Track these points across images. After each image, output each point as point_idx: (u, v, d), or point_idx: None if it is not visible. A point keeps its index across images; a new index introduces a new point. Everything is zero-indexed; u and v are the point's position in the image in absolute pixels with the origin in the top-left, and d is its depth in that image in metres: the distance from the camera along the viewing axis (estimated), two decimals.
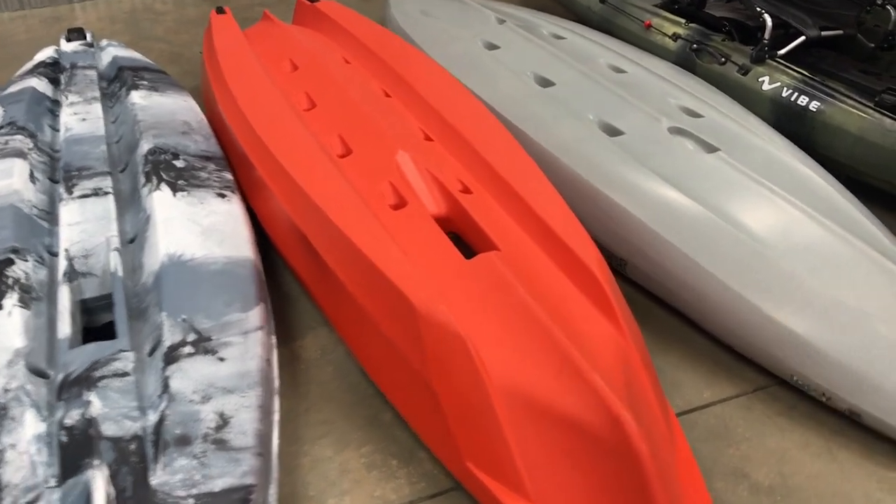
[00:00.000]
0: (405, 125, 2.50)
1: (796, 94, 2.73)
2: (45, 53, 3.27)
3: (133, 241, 2.12)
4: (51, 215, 2.18)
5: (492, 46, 3.23)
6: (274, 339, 1.97)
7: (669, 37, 3.24)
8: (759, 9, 2.92)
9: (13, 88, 2.90)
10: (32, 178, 2.33)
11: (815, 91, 2.70)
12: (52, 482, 1.47)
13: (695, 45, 3.13)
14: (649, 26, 3.32)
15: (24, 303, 1.84)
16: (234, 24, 3.31)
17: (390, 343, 1.83)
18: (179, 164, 2.38)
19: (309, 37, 3.24)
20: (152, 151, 2.40)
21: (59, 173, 2.34)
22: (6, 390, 1.64)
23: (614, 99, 2.70)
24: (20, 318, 1.79)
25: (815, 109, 2.68)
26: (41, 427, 1.56)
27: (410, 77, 2.75)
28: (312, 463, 1.83)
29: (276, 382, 1.86)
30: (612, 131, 2.55)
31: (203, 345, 1.76)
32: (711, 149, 2.41)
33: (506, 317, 1.76)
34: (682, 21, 3.26)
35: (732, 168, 2.29)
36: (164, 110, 2.70)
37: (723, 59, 3.01)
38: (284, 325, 2.26)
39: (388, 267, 1.85)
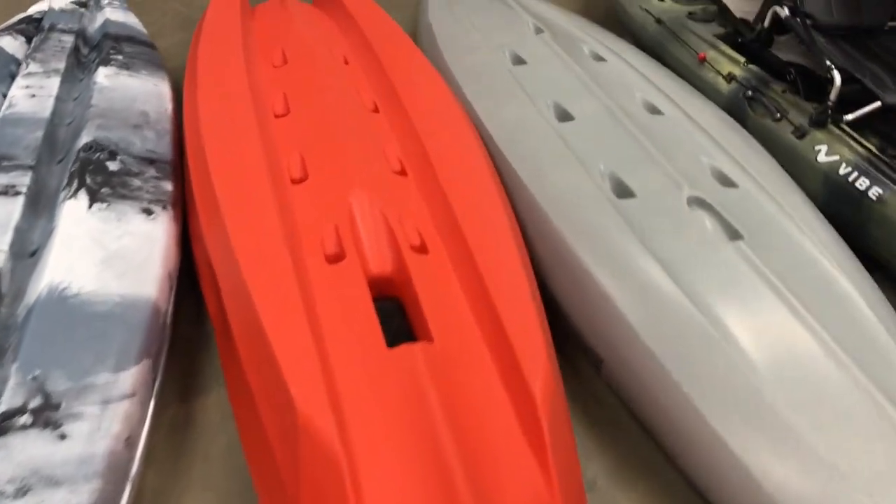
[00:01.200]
0: (379, 151, 2.15)
1: (856, 173, 2.26)
2: (37, 7, 3.00)
3: (34, 254, 1.84)
4: None
5: (519, 60, 2.82)
6: (151, 407, 1.66)
7: (724, 76, 2.78)
8: (827, 62, 2.43)
9: None
10: None
11: (880, 174, 2.23)
12: None
13: (750, 92, 2.66)
14: (703, 60, 2.86)
15: None
16: (242, 1, 2.98)
17: (268, 442, 1.50)
18: (113, 165, 2.08)
19: (314, 25, 2.89)
20: (88, 147, 2.10)
21: None
22: None
23: (636, 149, 2.29)
24: None
25: (874, 197, 2.20)
26: None
27: (404, 91, 2.38)
28: None
29: (135, 467, 1.55)
30: (623, 191, 2.14)
31: (46, 415, 1.46)
32: (734, 234, 1.98)
33: (407, 441, 1.41)
34: (742, 60, 2.79)
35: (751, 268, 1.87)
36: (125, 95, 2.40)
37: (778, 115, 2.54)
38: (192, 374, 1.95)
39: (282, 348, 1.51)
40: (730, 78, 2.74)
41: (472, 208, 1.94)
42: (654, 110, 2.54)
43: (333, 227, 1.86)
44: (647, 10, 3.26)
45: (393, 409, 1.45)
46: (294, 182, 2.04)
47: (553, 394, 1.52)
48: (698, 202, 2.09)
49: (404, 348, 1.54)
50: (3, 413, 1.43)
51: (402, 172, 2.11)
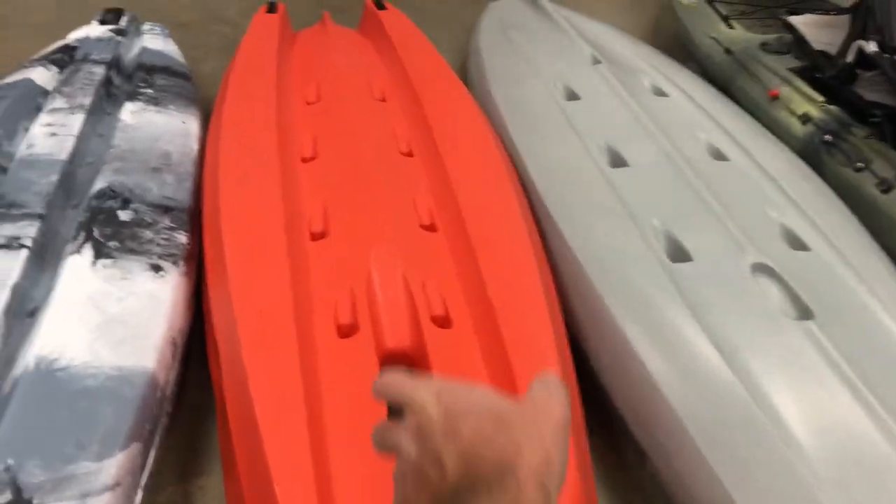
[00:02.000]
0: (408, 202, 1.98)
1: None
2: (76, 34, 2.92)
3: (34, 313, 1.71)
4: None
5: (572, 95, 2.61)
6: (139, 497, 1.52)
7: (798, 117, 2.50)
8: None
9: (12, 77, 2.56)
10: None
11: None
12: None
13: (828, 136, 2.38)
14: (776, 97, 2.58)
15: None
16: (282, 27, 2.85)
17: None
18: (125, 215, 1.95)
19: (354, 55, 2.73)
20: (101, 193, 1.99)
21: None
22: None
23: (696, 203, 2.05)
24: None
25: None
26: None
27: (441, 135, 2.20)
28: None
29: None
30: (677, 253, 1.92)
31: None
32: (803, 312, 1.74)
33: None
34: (820, 99, 2.50)
35: (822, 355, 1.62)
36: (148, 134, 2.28)
37: (860, 164, 2.26)
38: (194, 450, 1.80)
39: (275, 446, 1.35)
40: (805, 119, 2.47)
41: (503, 273, 1.75)
42: (718, 155, 2.30)
43: (349, 291, 1.69)
44: (715, 39, 3.00)
45: None
46: (314, 237, 1.88)
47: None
48: (764, 269, 1.85)
49: None
50: None
51: (432, 227, 1.93)
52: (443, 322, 1.66)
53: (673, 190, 2.11)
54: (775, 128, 2.53)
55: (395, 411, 0.63)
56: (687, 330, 1.69)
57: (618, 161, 2.26)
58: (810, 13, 2.81)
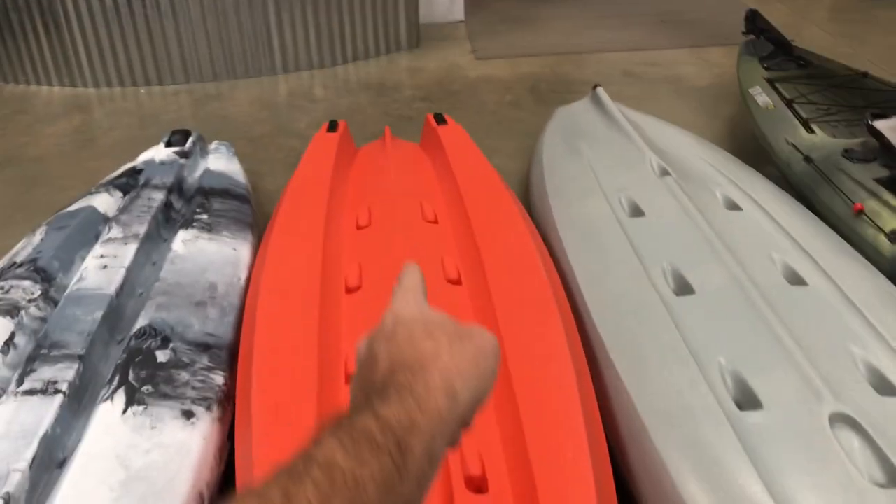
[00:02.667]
0: None
1: None
2: (144, 156, 3.00)
3: (63, 463, 1.67)
4: None
5: (636, 211, 2.47)
6: None
7: (886, 234, 2.28)
8: None
9: (75, 205, 2.63)
10: (8, 345, 1.98)
11: None
12: None
13: None
14: (860, 210, 2.37)
15: None
16: (341, 145, 2.84)
17: None
18: (163, 356, 1.91)
19: (411, 174, 2.69)
20: (141, 332, 1.96)
21: (31, 346, 1.97)
22: None
23: (769, 340, 1.86)
24: None
25: None
26: None
27: (490, 264, 2.09)
28: None
29: None
30: (747, 400, 1.72)
31: None
32: (892, 477, 1.52)
33: None
34: None
35: None
36: (196, 265, 2.27)
37: None
38: None
39: None
40: (894, 236, 2.25)
41: (547, 427, 1.60)
42: (794, 279, 2.10)
43: None
44: (794, 146, 2.81)
45: None
46: (348, 381, 1.78)
47: None
48: (845, 420, 1.63)
49: None
50: None
51: None
52: (478, 485, 1.52)
53: (742, 322, 1.93)
54: (860, 245, 2.31)
55: None
56: (754, 496, 1.49)
57: (683, 287, 2.10)
58: None
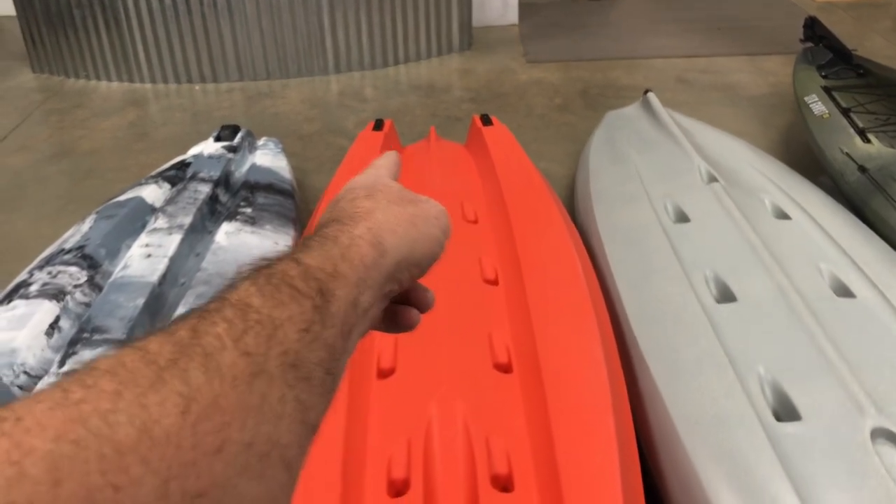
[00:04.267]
0: (484, 339, 1.85)
1: None
2: (193, 150, 3.05)
3: None
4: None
5: (681, 217, 2.43)
6: None
7: None
8: None
9: (124, 195, 2.68)
10: (53, 329, 2.03)
11: None
12: None
13: None
14: None
15: None
16: (386, 144, 2.85)
17: None
18: None
19: (452, 175, 2.68)
20: None
21: (74, 329, 2.02)
22: None
23: (811, 351, 1.80)
24: None
25: None
26: None
27: (528, 266, 2.07)
28: None
29: None
30: (785, 411, 1.68)
31: None
32: None
33: None
34: None
35: None
36: (237, 256, 2.30)
37: None
38: None
39: None
40: None
41: (577, 434, 1.57)
42: (842, 290, 2.04)
43: (406, 443, 1.57)
44: (848, 155, 2.73)
45: None
46: (381, 374, 1.79)
47: None
48: (888, 436, 1.58)
49: None
50: None
51: (507, 367, 1.80)
52: (504, 484, 1.50)
53: (784, 331, 1.87)
54: None
55: None
56: None
57: (725, 295, 2.05)
58: None
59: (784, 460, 1.53)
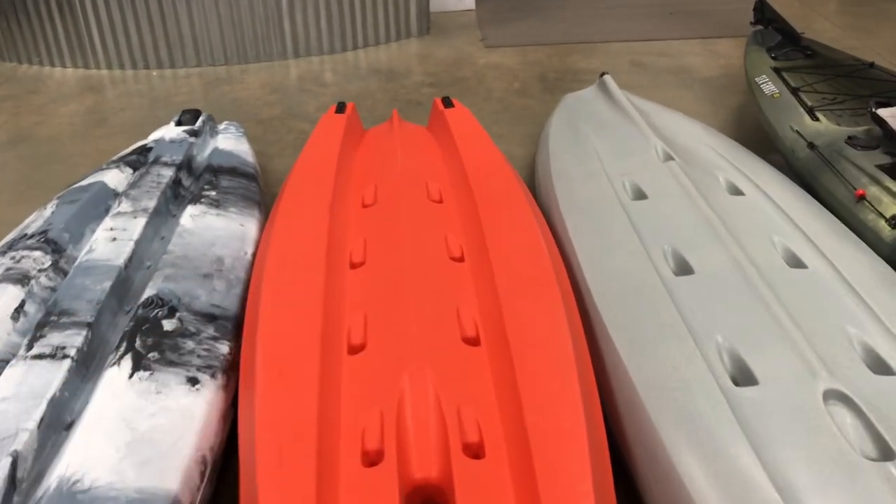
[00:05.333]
0: (452, 313, 1.90)
1: None
2: (154, 136, 3.04)
3: (70, 426, 1.71)
4: None
5: (639, 194, 2.49)
6: None
7: (886, 220, 2.30)
8: None
9: (86, 180, 2.67)
10: (19, 312, 2.03)
11: None
12: None
13: None
14: (862, 197, 2.39)
15: None
16: (349, 126, 2.87)
17: None
18: (169, 324, 1.95)
19: (417, 155, 2.71)
20: (148, 302, 2.00)
21: (40, 313, 2.01)
22: None
23: (766, 319, 1.88)
24: None
25: None
26: None
27: (493, 242, 2.12)
28: None
29: None
30: (743, 376, 1.75)
31: None
32: (884, 452, 1.54)
33: None
34: None
35: None
36: (204, 239, 2.30)
37: None
38: None
39: None
40: (894, 222, 2.27)
41: (544, 401, 1.62)
42: (794, 262, 2.13)
43: (379, 414, 1.61)
44: (798, 132, 2.83)
45: None
46: (351, 350, 1.82)
47: None
48: (839, 397, 1.66)
49: None
50: None
51: (475, 340, 1.85)
52: (475, 451, 1.55)
53: (740, 301, 1.95)
54: (862, 231, 2.33)
55: None
56: (747, 468, 1.51)
57: (683, 268, 2.12)
58: None
59: (742, 422, 1.61)
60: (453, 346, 1.81)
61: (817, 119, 2.85)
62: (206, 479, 1.72)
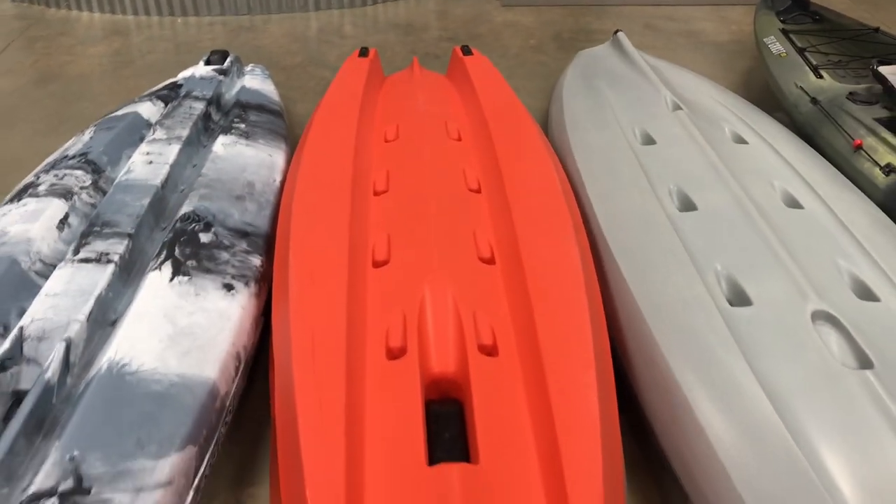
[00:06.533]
0: (469, 235, 2.03)
1: None
2: (184, 73, 3.16)
3: (115, 323, 1.85)
4: None
5: (648, 140, 2.62)
6: (190, 497, 1.61)
7: (881, 167, 2.43)
8: None
9: (122, 110, 2.79)
10: (63, 223, 2.16)
11: None
12: None
13: None
14: (859, 146, 2.52)
15: None
16: (371, 69, 2.99)
17: None
18: (206, 237, 2.09)
19: (437, 98, 2.83)
20: (186, 217, 2.13)
21: (84, 224, 2.15)
22: None
23: (762, 249, 2.02)
24: None
25: None
26: None
27: (509, 175, 2.25)
28: None
29: None
30: (738, 297, 1.89)
31: (74, 499, 1.43)
32: (863, 362, 1.68)
33: None
34: None
35: (878, 408, 1.57)
36: (236, 165, 2.44)
37: None
38: (251, 459, 1.89)
39: (310, 452, 1.41)
40: (888, 170, 2.39)
41: (553, 310, 1.76)
42: (792, 203, 2.26)
43: (402, 316, 1.75)
44: (802, 88, 2.95)
45: None
46: (376, 264, 1.96)
47: None
48: (826, 317, 1.80)
49: (443, 468, 1.39)
50: (32, 495, 1.41)
51: (490, 260, 1.98)
52: (489, 350, 1.69)
53: (739, 235, 2.08)
54: (858, 178, 2.46)
55: None
56: (738, 373, 1.66)
57: (687, 205, 2.25)
58: None
59: (737, 337, 1.75)
60: (470, 263, 1.94)
61: (821, 77, 2.97)
62: (240, 373, 1.87)
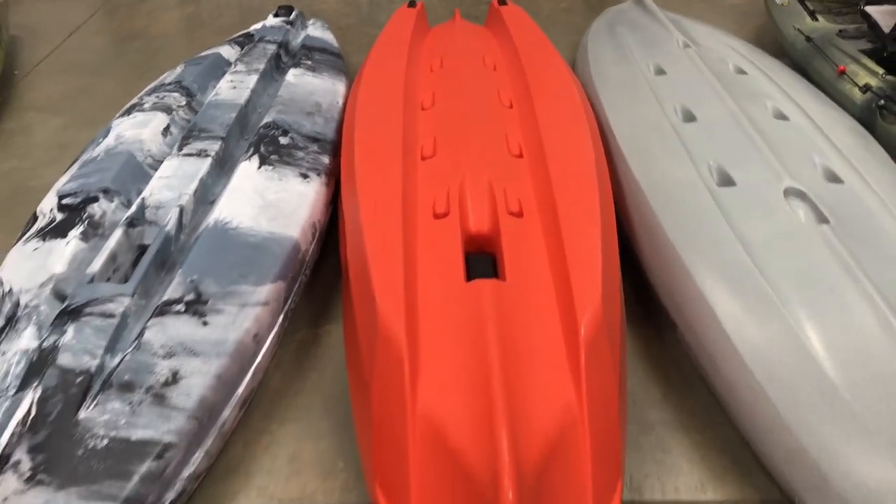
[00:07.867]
0: (502, 138, 2.44)
1: None
2: (256, 25, 3.62)
3: (213, 202, 2.31)
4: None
5: (660, 72, 3.01)
6: (280, 319, 2.05)
7: (860, 88, 2.79)
8: None
9: (206, 53, 3.26)
10: (166, 131, 2.62)
11: None
12: (11, 392, 1.67)
13: (881, 102, 2.66)
14: (843, 72, 2.88)
15: (85, 236, 2.10)
16: (419, 18, 3.42)
17: (358, 346, 1.82)
18: (284, 140, 2.53)
19: (475, 41, 3.25)
20: (267, 125, 2.58)
21: (184, 131, 2.61)
22: (26, 305, 1.89)
23: (748, 147, 2.40)
24: (73, 248, 2.05)
25: None
26: (33, 343, 1.78)
27: (538, 95, 2.65)
28: (269, 443, 1.89)
29: (259, 359, 1.94)
30: (725, 180, 2.28)
31: (195, 307, 1.88)
32: (821, 219, 2.07)
33: (463, 351, 1.67)
34: (881, 72, 2.79)
35: (831, 252, 1.95)
36: (305, 90, 2.88)
37: None
38: (324, 305, 2.35)
39: (378, 273, 1.84)
40: (865, 89, 2.76)
41: (569, 187, 2.16)
42: (780, 117, 2.63)
43: (446, 191, 2.17)
44: (798, 30, 3.32)
45: (457, 326, 1.72)
46: (424, 158, 2.38)
47: (597, 329, 1.72)
48: (796, 193, 2.18)
49: (479, 282, 1.81)
50: (165, 301, 1.86)
51: (519, 155, 2.39)
52: (517, 214, 2.11)
53: (730, 138, 2.46)
54: (840, 99, 2.83)
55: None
56: (721, 234, 2.05)
57: (689, 118, 2.64)
58: (890, 3, 3.08)
59: (722, 208, 2.14)
60: (503, 157, 2.35)
61: (817, 20, 3.34)
62: (315, 239, 2.31)
